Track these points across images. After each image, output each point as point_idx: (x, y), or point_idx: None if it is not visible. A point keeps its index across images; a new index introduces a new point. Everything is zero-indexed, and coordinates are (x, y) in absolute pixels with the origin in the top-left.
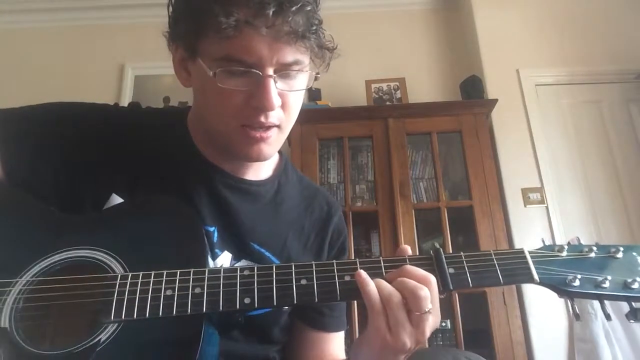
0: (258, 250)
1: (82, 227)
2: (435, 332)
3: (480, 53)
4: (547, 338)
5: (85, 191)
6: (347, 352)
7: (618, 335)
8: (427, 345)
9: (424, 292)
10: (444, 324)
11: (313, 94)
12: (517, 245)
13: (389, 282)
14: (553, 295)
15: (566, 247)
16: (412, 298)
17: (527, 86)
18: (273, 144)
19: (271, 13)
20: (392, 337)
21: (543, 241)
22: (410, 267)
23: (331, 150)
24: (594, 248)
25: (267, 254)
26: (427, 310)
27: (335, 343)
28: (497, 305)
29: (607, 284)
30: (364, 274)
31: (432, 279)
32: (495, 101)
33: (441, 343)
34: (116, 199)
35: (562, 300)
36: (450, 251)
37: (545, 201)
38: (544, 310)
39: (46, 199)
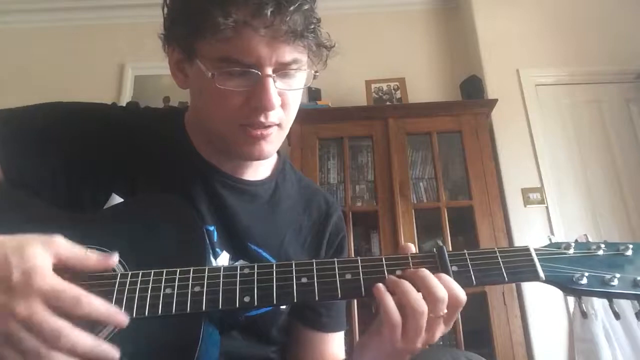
0: (255, 250)
1: (81, 226)
2: None
3: (480, 53)
4: (547, 338)
5: (85, 191)
6: (348, 353)
7: (618, 335)
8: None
9: (441, 292)
10: None
11: (313, 93)
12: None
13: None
14: (553, 295)
15: (573, 244)
16: (430, 298)
17: (527, 86)
18: (273, 142)
19: (269, 13)
20: (405, 343)
21: (550, 239)
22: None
23: (331, 150)
24: (602, 245)
25: (265, 254)
26: (442, 314)
27: (334, 344)
28: (497, 305)
29: (615, 282)
30: (382, 287)
31: (458, 288)
32: (495, 101)
33: (441, 343)
34: (116, 199)
35: (562, 300)
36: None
37: (545, 201)
38: (544, 310)
39: (45, 199)
